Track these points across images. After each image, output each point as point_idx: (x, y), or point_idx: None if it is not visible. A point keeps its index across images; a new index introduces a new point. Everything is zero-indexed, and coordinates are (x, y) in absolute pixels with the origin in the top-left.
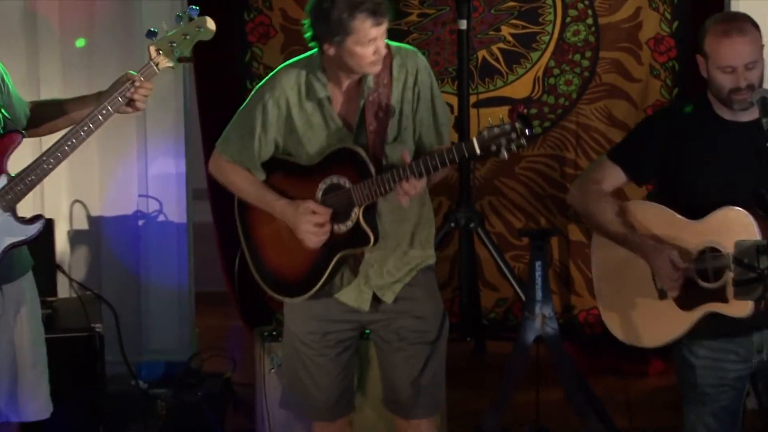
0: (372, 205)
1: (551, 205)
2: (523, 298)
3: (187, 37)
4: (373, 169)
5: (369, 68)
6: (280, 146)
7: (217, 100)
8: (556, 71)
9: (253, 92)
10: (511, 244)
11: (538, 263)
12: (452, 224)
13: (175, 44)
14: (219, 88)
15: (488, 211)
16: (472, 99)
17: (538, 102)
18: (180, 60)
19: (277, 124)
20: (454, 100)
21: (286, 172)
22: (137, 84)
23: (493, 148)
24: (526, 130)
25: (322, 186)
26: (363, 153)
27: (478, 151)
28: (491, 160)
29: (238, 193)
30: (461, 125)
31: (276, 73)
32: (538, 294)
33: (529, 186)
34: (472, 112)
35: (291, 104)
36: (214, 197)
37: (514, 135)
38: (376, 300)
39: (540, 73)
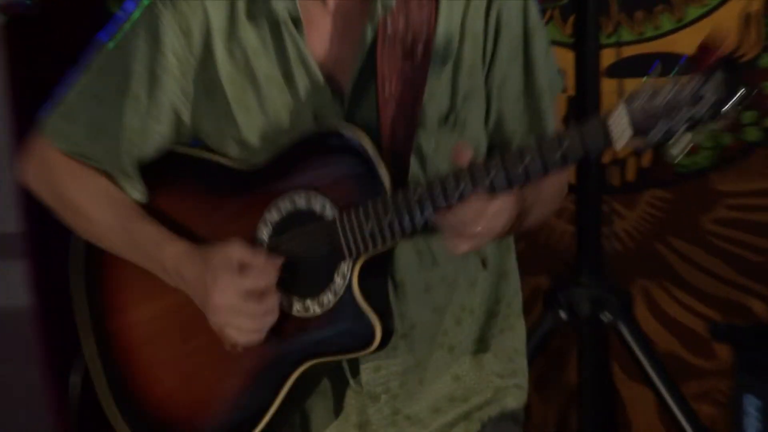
0: (381, 259)
1: None
2: None
3: None
4: (386, 179)
5: None
6: (187, 124)
7: (45, 46)
8: None
9: (130, 12)
10: (688, 365)
11: (749, 400)
12: (561, 314)
13: None
14: (48, 19)
15: (639, 303)
16: (606, 57)
17: (752, 68)
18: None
19: (181, 73)
20: (567, 58)
21: (195, 185)
22: None
23: (661, 130)
24: (738, 91)
25: (272, 214)
26: (367, 142)
27: (625, 136)
28: (647, 200)
29: (81, 227)
30: (583, 106)
31: None
32: None
33: (731, 254)
34: (607, 84)
35: (213, 30)
36: (37, 247)
37: (709, 99)
38: None
39: (755, 6)
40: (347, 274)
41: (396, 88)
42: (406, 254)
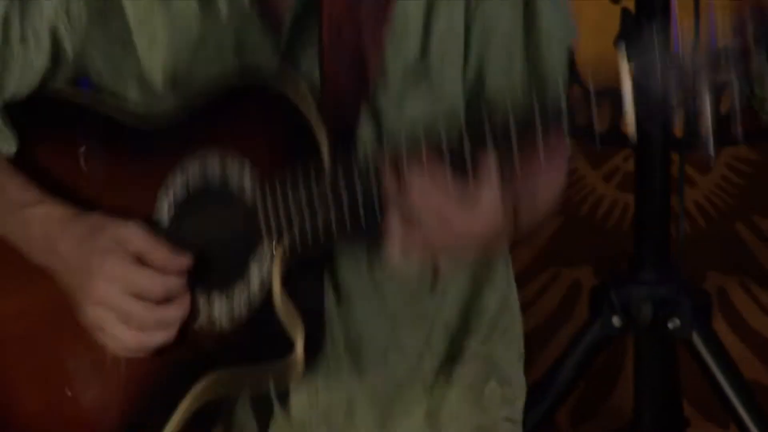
0: (315, 246)
1: None
2: None
3: None
4: (324, 142)
5: None
6: (69, 55)
7: None
8: None
9: None
10: None
11: None
12: (613, 320)
13: None
14: None
15: (718, 324)
16: None
17: None
18: None
19: None
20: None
21: (78, 143)
22: None
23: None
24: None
25: (176, 183)
26: (302, 93)
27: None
28: (725, 162)
29: None
30: (644, 20)
31: None
32: None
33: None
34: None
35: None
36: None
37: (747, 65)
38: None
39: None
40: (266, 269)
41: (348, 24)
42: (347, 251)
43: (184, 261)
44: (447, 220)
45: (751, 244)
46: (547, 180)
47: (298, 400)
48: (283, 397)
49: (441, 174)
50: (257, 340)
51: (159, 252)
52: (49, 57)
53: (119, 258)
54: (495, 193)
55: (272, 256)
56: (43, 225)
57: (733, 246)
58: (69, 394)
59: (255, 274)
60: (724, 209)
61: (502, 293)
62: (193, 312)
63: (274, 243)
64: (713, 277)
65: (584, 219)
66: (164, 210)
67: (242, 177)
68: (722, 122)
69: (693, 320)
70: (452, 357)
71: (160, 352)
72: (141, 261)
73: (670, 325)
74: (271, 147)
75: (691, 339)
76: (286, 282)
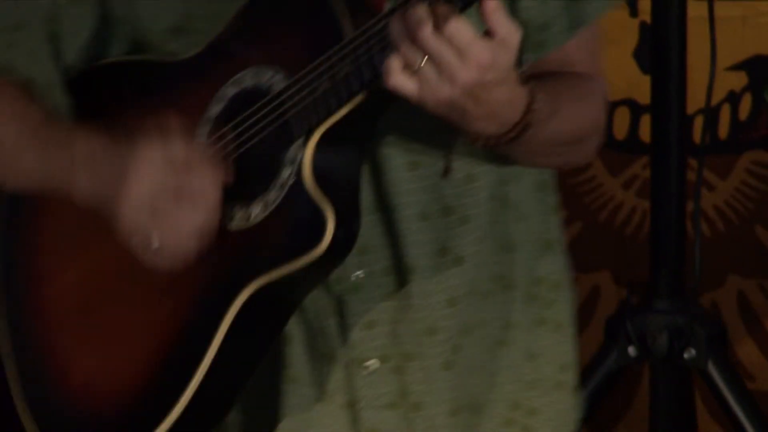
0: (345, 135)
1: None
2: None
3: None
4: (345, 21)
5: None
6: (112, 6)
7: None
8: None
9: None
10: None
11: None
12: (629, 350)
13: None
14: None
15: (731, 311)
16: None
17: None
18: None
19: None
20: None
21: (123, 95)
22: None
23: None
24: None
25: (214, 106)
26: None
27: None
28: (744, 167)
29: None
30: (662, 35)
31: None
32: None
33: None
34: (693, 7)
35: None
36: None
37: None
38: None
39: None
40: (297, 158)
41: None
42: (396, 167)
43: (223, 164)
44: (451, 69)
45: None
46: (578, 96)
47: (355, 329)
48: (343, 331)
49: (450, 22)
50: (288, 235)
51: (195, 151)
52: (98, 15)
53: (155, 159)
54: (505, 51)
55: (304, 147)
56: (85, 157)
57: (753, 250)
58: (118, 348)
59: (287, 172)
60: (744, 213)
61: (560, 268)
62: (230, 228)
63: (305, 135)
64: (732, 280)
65: (603, 225)
66: (208, 126)
67: (272, 82)
68: (741, 127)
69: (708, 350)
70: (511, 321)
71: (199, 265)
72: (177, 162)
73: (686, 355)
74: (298, 46)
75: (706, 369)
76: (317, 170)
